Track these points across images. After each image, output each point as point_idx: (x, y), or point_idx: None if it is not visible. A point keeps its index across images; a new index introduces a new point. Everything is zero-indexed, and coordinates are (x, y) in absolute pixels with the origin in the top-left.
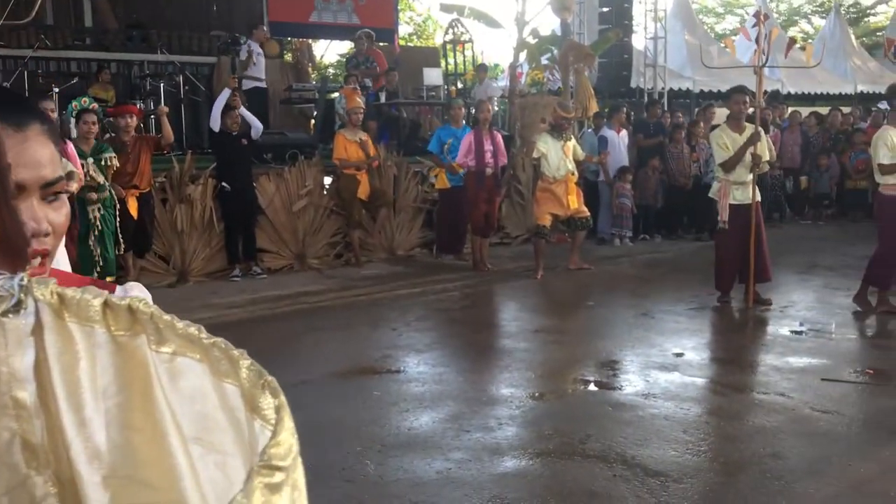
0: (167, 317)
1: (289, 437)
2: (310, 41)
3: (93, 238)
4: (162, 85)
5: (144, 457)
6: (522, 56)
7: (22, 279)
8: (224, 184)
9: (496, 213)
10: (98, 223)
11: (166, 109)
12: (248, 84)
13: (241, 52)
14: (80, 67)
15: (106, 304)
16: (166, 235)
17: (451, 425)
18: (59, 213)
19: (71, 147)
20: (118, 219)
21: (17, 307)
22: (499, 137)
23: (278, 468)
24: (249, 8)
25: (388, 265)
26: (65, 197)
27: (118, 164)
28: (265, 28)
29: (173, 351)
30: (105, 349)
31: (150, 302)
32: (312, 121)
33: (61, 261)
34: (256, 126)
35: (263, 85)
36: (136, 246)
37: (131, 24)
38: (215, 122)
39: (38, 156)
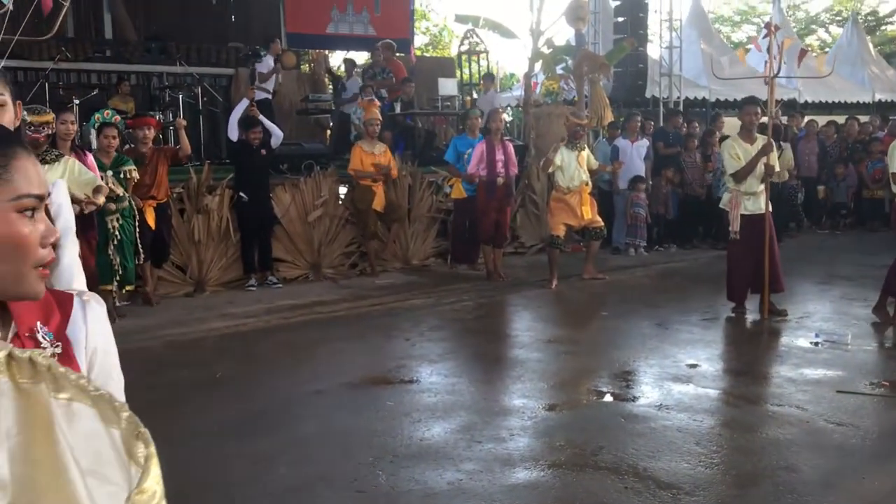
0: (62, 369)
1: (153, 484)
2: (326, 52)
3: (112, 248)
4: (181, 96)
5: (46, 486)
6: (537, 66)
7: None
8: (242, 194)
9: (507, 223)
10: (117, 233)
11: (184, 123)
12: (258, 95)
13: (263, 64)
14: (101, 79)
15: (10, 356)
16: (184, 245)
17: (463, 436)
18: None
19: (91, 159)
20: (137, 229)
21: None
22: (510, 147)
23: None
24: (267, 20)
25: (402, 275)
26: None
27: (137, 177)
28: (281, 40)
29: (69, 397)
30: (8, 396)
31: (105, 315)
32: (328, 131)
33: (74, 272)
34: (277, 134)
35: (267, 95)
36: (153, 256)
37: (150, 35)
38: (233, 133)
39: (41, 173)
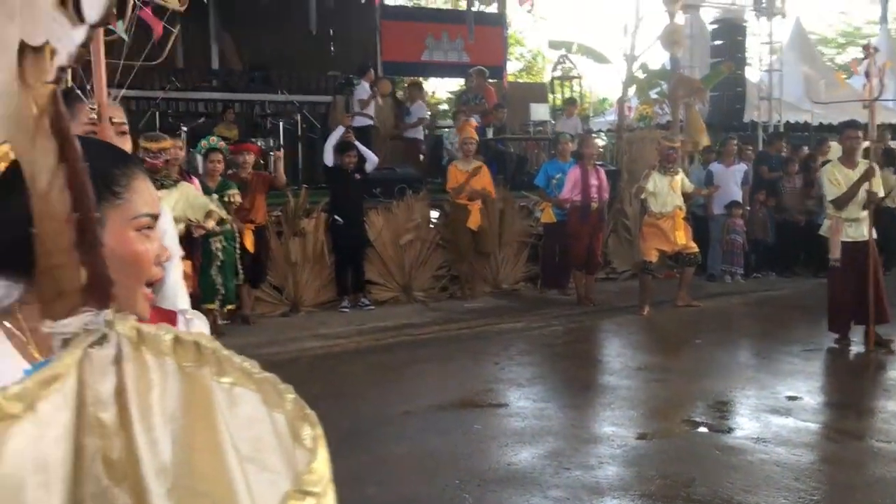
0: (226, 352)
1: (322, 465)
2: (420, 79)
3: (214, 269)
4: (281, 123)
5: (205, 472)
6: (631, 90)
7: (107, 315)
8: (336, 217)
9: (600, 248)
10: (220, 255)
11: (280, 154)
12: (359, 121)
13: (359, 90)
14: (207, 107)
15: (176, 339)
16: (280, 267)
17: (550, 462)
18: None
19: (197, 183)
20: (238, 251)
21: (102, 340)
22: (603, 172)
23: (310, 493)
24: (364, 49)
25: (492, 299)
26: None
27: (240, 200)
28: (378, 68)
29: (232, 381)
30: (174, 377)
31: (208, 333)
32: (421, 156)
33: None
34: (372, 159)
35: (372, 122)
36: (251, 277)
37: (255, 65)
38: (328, 158)
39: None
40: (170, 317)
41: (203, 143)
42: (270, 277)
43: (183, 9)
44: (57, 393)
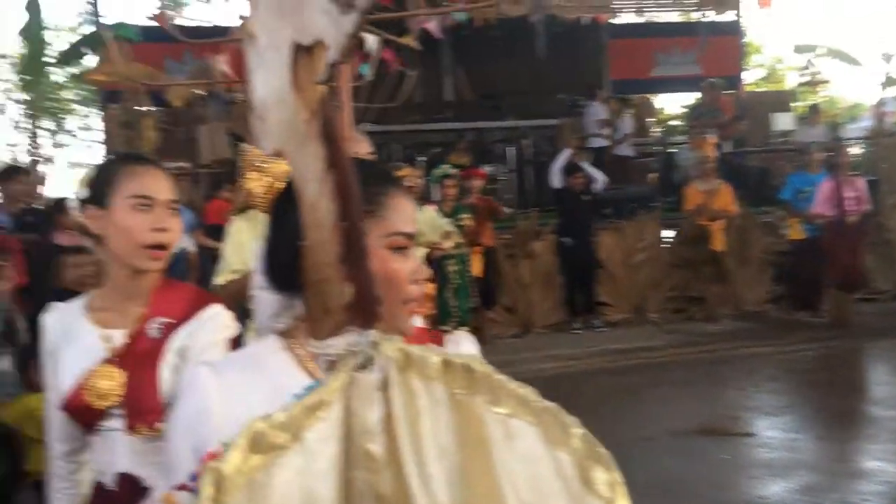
0: (500, 377)
1: None
2: (650, 96)
3: (449, 291)
4: (511, 148)
5: None
6: (890, 93)
7: (371, 336)
8: (565, 238)
9: (861, 266)
10: (454, 277)
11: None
12: (597, 143)
13: (593, 111)
14: (442, 138)
15: (445, 362)
16: (511, 288)
17: (805, 497)
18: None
19: (434, 209)
20: (470, 273)
21: (367, 363)
22: (860, 183)
23: None
24: (592, 69)
25: (733, 321)
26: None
27: (472, 224)
28: (605, 87)
29: (508, 412)
30: (444, 406)
31: (480, 356)
32: (652, 175)
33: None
34: (599, 179)
35: (605, 143)
36: (483, 299)
37: (485, 94)
38: (556, 180)
39: (413, 213)
40: (435, 336)
41: (437, 171)
42: (502, 298)
43: (419, 48)
44: (323, 422)
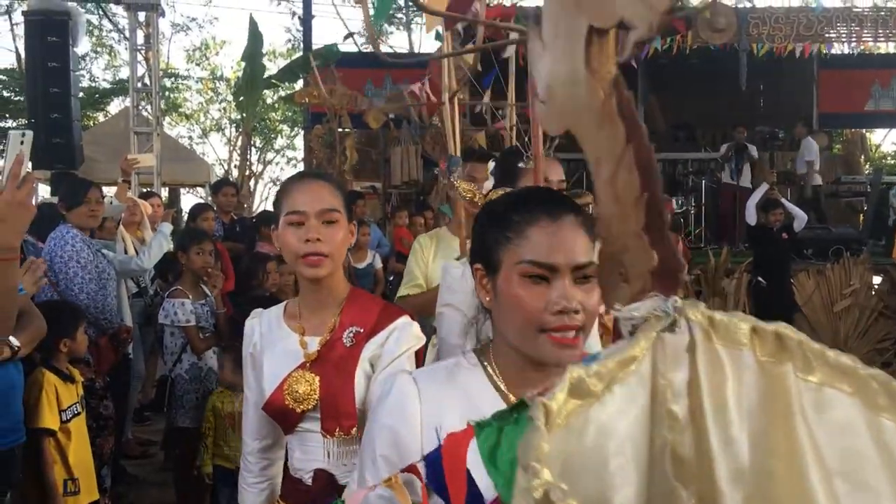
0: (816, 346)
1: None
2: (864, 131)
3: None
4: (703, 181)
5: (781, 484)
6: None
7: (675, 301)
8: (760, 278)
9: None
10: None
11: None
12: (814, 180)
13: (806, 149)
14: None
15: (753, 328)
16: None
17: None
18: (590, 296)
19: None
20: None
21: (672, 326)
22: None
23: None
24: (799, 101)
25: None
26: (596, 281)
27: None
28: (814, 120)
29: (820, 381)
30: (751, 372)
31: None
32: (862, 215)
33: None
34: (800, 217)
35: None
36: None
37: (678, 124)
38: (751, 217)
39: (569, 242)
40: None
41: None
42: None
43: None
44: (633, 376)
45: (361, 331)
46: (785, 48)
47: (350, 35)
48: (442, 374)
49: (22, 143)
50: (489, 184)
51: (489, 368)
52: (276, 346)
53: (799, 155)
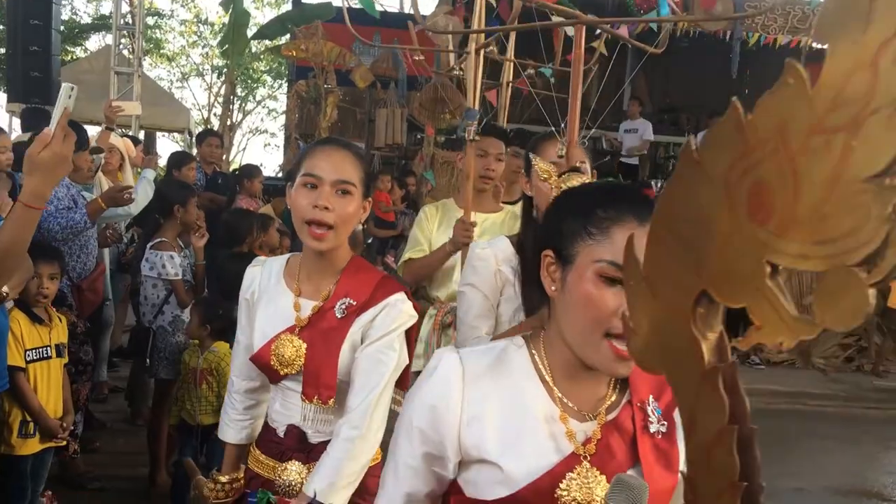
0: None
1: None
2: None
3: None
4: None
5: None
6: None
7: None
8: None
9: None
10: None
11: None
12: None
13: None
14: (612, 146)
15: None
16: None
17: None
18: None
19: None
20: None
21: None
22: None
23: None
24: None
25: None
26: None
27: None
28: None
29: None
30: None
31: None
32: None
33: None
34: None
35: None
36: None
37: (664, 108)
38: None
39: None
40: None
41: (603, 181)
42: None
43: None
44: None
45: (354, 303)
46: (774, 39)
47: None
48: (490, 357)
49: (70, 96)
50: (544, 167)
51: (536, 357)
52: (271, 302)
53: None
